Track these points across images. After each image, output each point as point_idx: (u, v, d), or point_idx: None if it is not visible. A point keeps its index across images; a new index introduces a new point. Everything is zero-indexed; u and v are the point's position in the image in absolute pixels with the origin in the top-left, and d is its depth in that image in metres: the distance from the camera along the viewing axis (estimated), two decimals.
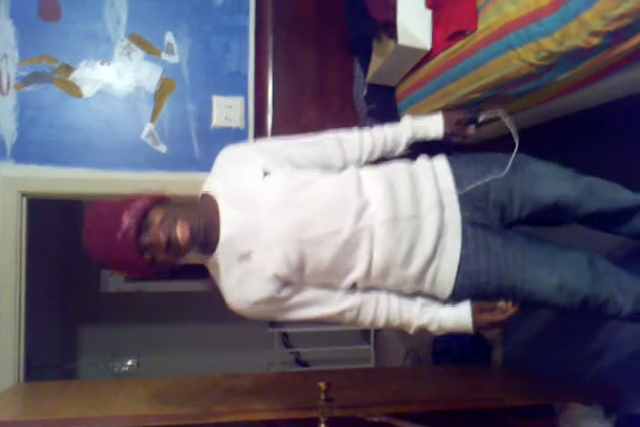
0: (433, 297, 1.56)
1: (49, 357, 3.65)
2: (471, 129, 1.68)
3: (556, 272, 1.52)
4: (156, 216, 1.34)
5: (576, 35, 1.47)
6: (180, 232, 1.32)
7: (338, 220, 1.41)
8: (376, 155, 1.63)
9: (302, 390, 2.30)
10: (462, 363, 3.36)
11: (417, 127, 1.65)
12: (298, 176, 1.45)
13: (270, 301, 1.44)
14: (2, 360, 2.54)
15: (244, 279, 1.42)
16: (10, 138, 2.60)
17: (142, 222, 1.33)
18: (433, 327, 1.53)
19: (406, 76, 2.32)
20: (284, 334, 4.51)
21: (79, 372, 4.06)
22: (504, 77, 1.80)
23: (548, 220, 1.66)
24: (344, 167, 1.56)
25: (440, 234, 1.49)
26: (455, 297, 1.53)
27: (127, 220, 1.31)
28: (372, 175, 1.51)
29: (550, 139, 2.51)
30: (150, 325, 4.12)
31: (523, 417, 2.50)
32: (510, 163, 1.53)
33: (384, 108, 2.50)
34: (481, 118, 1.65)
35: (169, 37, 2.74)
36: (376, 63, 2.32)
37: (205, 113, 2.76)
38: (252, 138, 2.78)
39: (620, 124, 2.20)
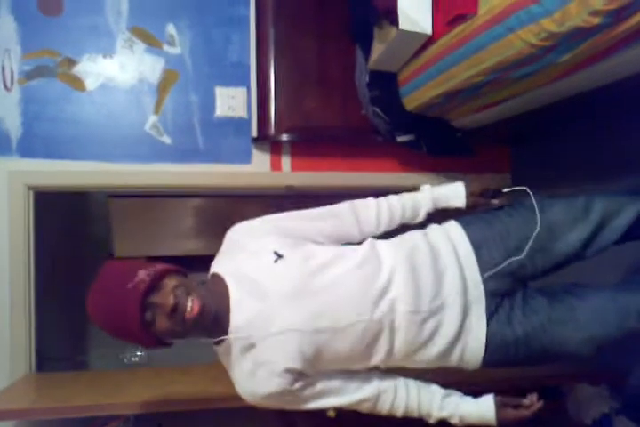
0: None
1: (59, 349, 3.67)
2: (495, 201, 1.63)
3: (582, 327, 1.50)
4: (172, 282, 1.30)
5: (576, 14, 1.47)
6: (190, 305, 1.28)
7: (355, 309, 1.36)
8: (394, 226, 1.58)
9: None
10: None
11: (437, 198, 1.59)
12: (311, 259, 1.39)
13: (282, 393, 1.37)
14: (13, 351, 2.56)
15: (254, 371, 1.36)
16: (15, 132, 2.62)
17: (157, 282, 1.29)
18: (454, 421, 1.49)
19: (408, 62, 2.32)
20: None
21: (90, 363, 4.08)
22: (505, 60, 1.80)
23: (568, 264, 1.62)
24: (361, 239, 1.52)
25: (464, 315, 1.46)
26: (484, 368, 1.53)
27: (143, 274, 1.28)
28: (391, 253, 1.46)
29: (553, 121, 2.52)
30: None
31: None
32: (529, 246, 1.50)
33: (387, 94, 2.50)
34: (505, 190, 1.62)
35: (170, 29, 2.75)
36: (377, 50, 2.32)
37: (208, 104, 2.78)
38: (255, 127, 2.81)
39: (622, 105, 2.21)
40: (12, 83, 2.62)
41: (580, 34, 1.54)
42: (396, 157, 2.95)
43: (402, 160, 2.96)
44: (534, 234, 1.51)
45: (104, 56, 2.70)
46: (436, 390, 1.50)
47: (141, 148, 2.72)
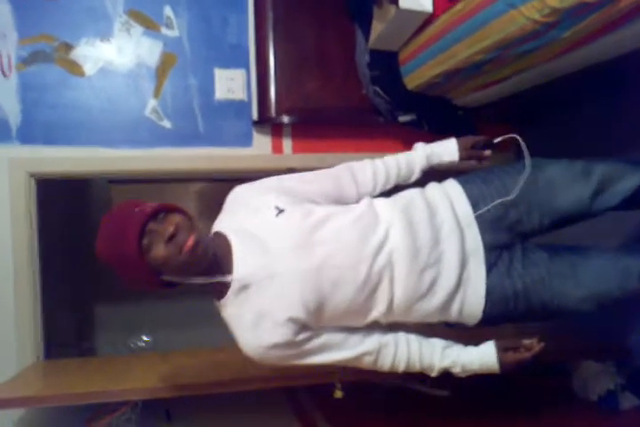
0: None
1: (65, 336, 3.69)
2: (487, 152, 1.64)
3: (582, 283, 1.50)
4: (177, 217, 1.33)
5: None
6: (188, 240, 1.29)
7: (355, 260, 1.38)
8: (390, 184, 1.60)
9: None
10: None
11: (430, 154, 1.61)
12: (311, 215, 1.41)
13: (286, 345, 1.38)
14: (20, 339, 2.57)
15: (258, 323, 1.37)
16: (14, 119, 2.60)
17: (163, 210, 1.33)
18: (456, 370, 1.50)
19: (408, 41, 2.30)
20: None
21: (96, 350, 4.10)
22: (508, 37, 1.77)
23: (566, 223, 1.63)
24: (359, 199, 1.54)
25: (463, 265, 1.47)
26: (484, 324, 1.53)
27: (152, 204, 1.33)
28: (388, 208, 1.49)
29: (556, 98, 2.50)
30: (164, 300, 4.15)
31: (537, 376, 2.52)
32: (519, 187, 1.50)
33: (387, 73, 2.48)
34: (496, 140, 1.62)
35: (168, 12, 2.72)
36: (377, 29, 2.30)
37: (208, 86, 2.75)
38: (255, 110, 2.78)
39: (628, 79, 2.19)
40: (9, 69, 2.59)
41: (583, 9, 1.52)
42: (398, 137, 2.92)
43: (403, 140, 2.93)
44: (525, 175, 1.51)
45: (101, 40, 2.67)
46: (436, 341, 1.52)
47: (142, 132, 2.70)
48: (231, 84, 2.76)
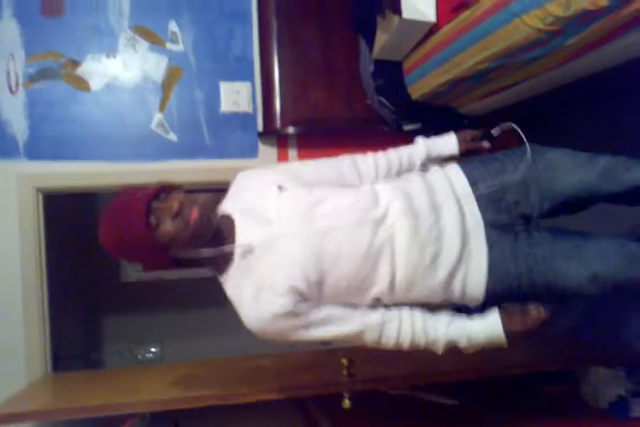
0: (459, 310, 1.53)
1: (73, 348, 3.69)
2: (485, 144, 1.67)
3: (585, 263, 1.50)
4: (178, 195, 1.37)
5: None
6: (193, 213, 1.34)
7: (356, 233, 1.40)
8: (391, 177, 1.62)
9: (325, 367, 2.33)
10: None
11: (431, 147, 1.65)
12: (313, 193, 1.45)
13: (287, 316, 1.38)
14: (29, 352, 2.58)
15: (258, 295, 1.38)
16: (22, 135, 2.63)
17: (164, 190, 1.38)
18: (462, 343, 1.46)
19: (412, 51, 2.31)
20: None
21: (104, 361, 4.10)
22: (512, 45, 1.78)
23: (569, 209, 1.64)
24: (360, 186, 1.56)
25: (464, 242, 1.48)
26: (487, 303, 1.51)
27: (152, 186, 1.39)
28: (388, 188, 1.51)
29: (561, 104, 2.50)
30: (172, 311, 4.16)
31: (546, 383, 2.51)
32: (524, 168, 1.53)
33: (392, 83, 2.49)
34: (494, 132, 1.66)
35: (172, 26, 2.75)
36: (381, 39, 2.31)
37: (213, 99, 2.78)
38: (260, 121, 2.81)
39: (632, 87, 2.19)
40: (17, 86, 2.62)
41: (587, 17, 1.52)
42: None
43: None
44: (527, 156, 1.54)
45: (107, 56, 2.70)
46: (441, 315, 1.50)
47: (148, 146, 2.73)
48: (236, 96, 2.78)
